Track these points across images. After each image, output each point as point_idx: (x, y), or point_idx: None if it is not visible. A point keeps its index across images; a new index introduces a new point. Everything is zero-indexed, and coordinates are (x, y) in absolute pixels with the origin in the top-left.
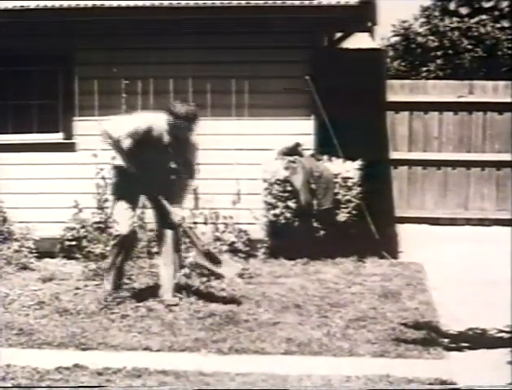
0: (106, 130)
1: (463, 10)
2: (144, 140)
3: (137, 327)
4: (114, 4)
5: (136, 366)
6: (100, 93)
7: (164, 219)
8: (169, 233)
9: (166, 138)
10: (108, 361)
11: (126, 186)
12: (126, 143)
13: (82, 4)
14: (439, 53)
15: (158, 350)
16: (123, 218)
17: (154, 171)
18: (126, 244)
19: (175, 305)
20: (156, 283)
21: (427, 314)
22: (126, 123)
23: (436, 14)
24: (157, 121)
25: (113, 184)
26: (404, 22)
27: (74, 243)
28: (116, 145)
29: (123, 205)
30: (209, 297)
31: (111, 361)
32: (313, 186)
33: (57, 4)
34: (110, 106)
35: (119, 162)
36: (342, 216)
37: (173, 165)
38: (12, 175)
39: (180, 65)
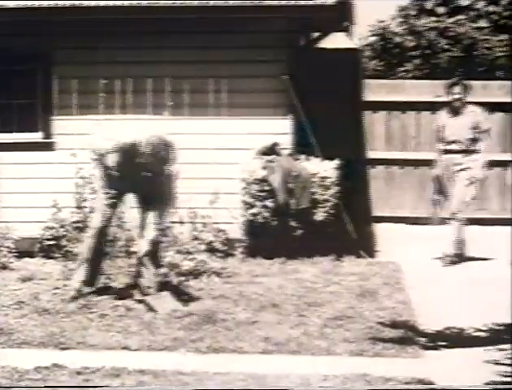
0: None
1: (440, 10)
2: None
3: (116, 327)
4: (93, 3)
5: (114, 365)
6: (79, 93)
7: (147, 218)
8: (151, 233)
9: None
10: (87, 360)
11: (112, 182)
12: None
13: (61, 4)
14: (416, 53)
15: (136, 349)
16: (100, 211)
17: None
18: (99, 239)
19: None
20: (135, 282)
21: (404, 313)
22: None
23: (413, 13)
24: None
25: (100, 177)
26: (381, 22)
27: (53, 242)
28: (100, 160)
29: (103, 200)
30: (187, 297)
31: (90, 360)
32: (290, 185)
33: (36, 3)
34: (88, 105)
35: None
36: (320, 215)
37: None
38: None
39: (158, 64)
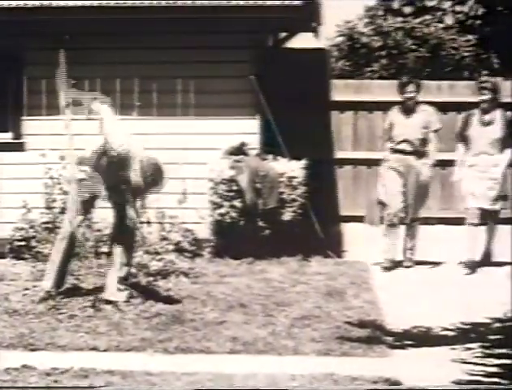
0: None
1: (407, 10)
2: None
3: (85, 327)
4: (62, 4)
5: (83, 366)
6: (48, 93)
7: (122, 220)
8: (124, 234)
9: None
10: (56, 361)
11: (87, 186)
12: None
13: (30, 4)
14: (383, 53)
15: (105, 350)
16: (72, 215)
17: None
18: (71, 242)
19: (122, 301)
20: (104, 283)
21: (371, 313)
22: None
23: (380, 13)
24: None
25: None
26: (348, 22)
27: (23, 243)
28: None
29: (76, 203)
30: (155, 297)
31: (59, 361)
32: (258, 185)
33: (5, 3)
34: (58, 105)
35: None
36: (287, 215)
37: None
38: None
39: (127, 65)
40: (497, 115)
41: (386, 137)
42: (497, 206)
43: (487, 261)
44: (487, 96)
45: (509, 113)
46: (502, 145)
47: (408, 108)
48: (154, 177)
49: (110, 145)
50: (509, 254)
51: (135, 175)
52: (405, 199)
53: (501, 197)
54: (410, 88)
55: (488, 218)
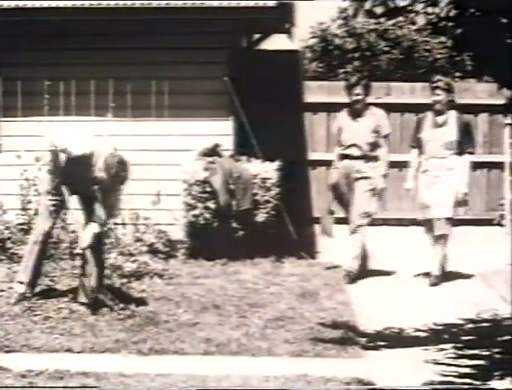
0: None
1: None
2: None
3: (59, 329)
4: (37, 5)
5: (58, 368)
6: (23, 94)
7: (89, 221)
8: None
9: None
10: (31, 363)
11: (58, 187)
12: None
13: (5, 5)
14: (356, 54)
15: (79, 352)
16: (45, 216)
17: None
18: (44, 243)
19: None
20: (78, 284)
21: (344, 314)
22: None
23: (352, 13)
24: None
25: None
26: (322, 24)
27: None
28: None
29: (48, 204)
30: (129, 298)
31: (34, 363)
32: (232, 187)
33: None
34: (33, 107)
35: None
36: (261, 217)
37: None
38: None
39: (101, 66)
40: (451, 117)
41: (335, 142)
42: (452, 214)
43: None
44: (440, 96)
45: (465, 115)
46: (458, 148)
47: (356, 111)
48: (119, 171)
49: (67, 151)
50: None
51: (99, 171)
52: (359, 209)
53: (459, 204)
54: (358, 90)
55: (443, 226)
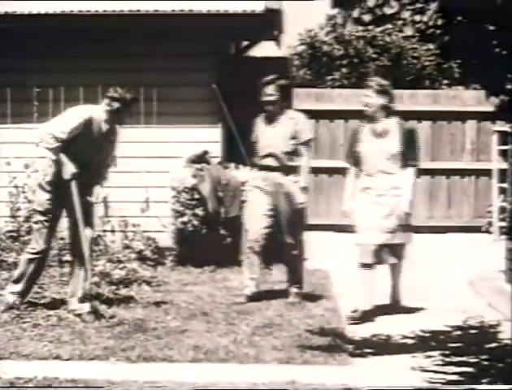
0: (45, 134)
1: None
2: (81, 135)
3: (48, 336)
4: (26, 11)
5: (46, 375)
6: (13, 101)
7: (78, 227)
8: (83, 241)
9: (104, 128)
10: (20, 370)
11: (50, 201)
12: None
13: None
14: (344, 61)
15: (68, 359)
16: (42, 234)
17: (87, 168)
18: (42, 259)
19: (85, 313)
20: (67, 291)
21: (332, 321)
22: (64, 124)
23: (341, 22)
24: (94, 113)
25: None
26: (310, 31)
27: None
28: (55, 150)
29: (44, 220)
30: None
31: (23, 370)
32: (220, 194)
33: None
34: (22, 113)
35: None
36: None
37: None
38: None
39: (90, 73)
40: (392, 125)
41: (255, 152)
42: (398, 239)
43: (396, 306)
44: (372, 99)
45: (409, 122)
46: (402, 160)
47: (271, 115)
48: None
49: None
50: None
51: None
52: (273, 224)
53: (404, 227)
54: (270, 90)
55: (390, 255)
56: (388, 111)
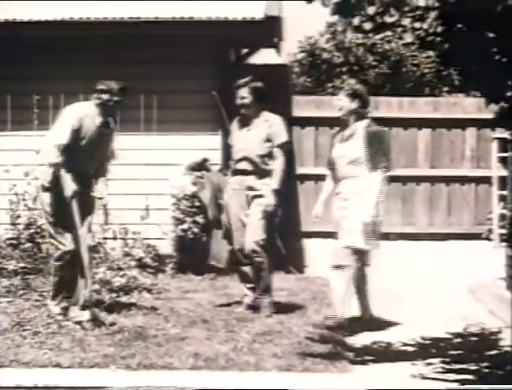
0: (48, 149)
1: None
2: (78, 135)
3: (48, 344)
4: (25, 19)
5: (46, 383)
6: (13, 108)
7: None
8: (83, 250)
9: (97, 122)
10: (20, 378)
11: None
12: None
13: None
14: (344, 69)
15: (68, 367)
16: (64, 235)
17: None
18: (72, 261)
19: (85, 321)
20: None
21: (332, 328)
22: (61, 131)
23: (340, 29)
24: (85, 109)
25: (50, 209)
26: (310, 38)
27: None
28: (58, 165)
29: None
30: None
31: (23, 378)
32: (220, 201)
33: None
34: (22, 121)
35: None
36: None
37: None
38: None
39: (90, 80)
40: (359, 128)
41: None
42: (366, 245)
43: (367, 318)
44: (343, 102)
45: (379, 126)
46: (370, 164)
47: (245, 119)
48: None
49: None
50: None
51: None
52: (252, 234)
53: (369, 233)
54: (243, 92)
55: (353, 260)
56: (360, 116)
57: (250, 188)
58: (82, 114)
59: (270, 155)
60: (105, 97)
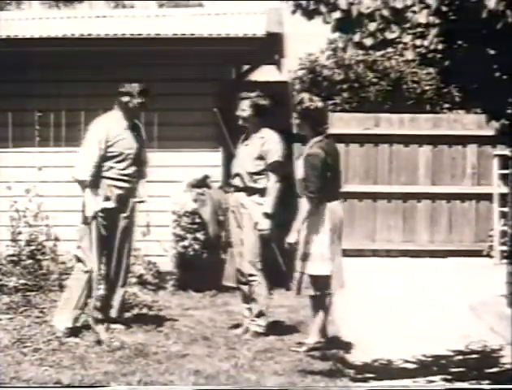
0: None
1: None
2: (108, 145)
3: (49, 361)
4: (27, 36)
5: None
6: (14, 125)
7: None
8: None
9: (125, 126)
10: None
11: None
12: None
13: None
14: (345, 86)
15: (68, 384)
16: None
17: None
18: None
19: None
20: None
21: (333, 346)
22: (87, 151)
23: (341, 45)
24: (108, 117)
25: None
26: (310, 55)
27: None
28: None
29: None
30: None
31: None
32: (221, 218)
33: None
34: (23, 137)
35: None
36: None
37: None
38: None
39: (92, 97)
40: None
41: None
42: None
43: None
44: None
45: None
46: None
47: (246, 134)
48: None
49: None
50: None
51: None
52: (247, 254)
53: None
54: (244, 105)
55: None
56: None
57: (242, 205)
58: (106, 124)
59: (260, 173)
60: (126, 99)
